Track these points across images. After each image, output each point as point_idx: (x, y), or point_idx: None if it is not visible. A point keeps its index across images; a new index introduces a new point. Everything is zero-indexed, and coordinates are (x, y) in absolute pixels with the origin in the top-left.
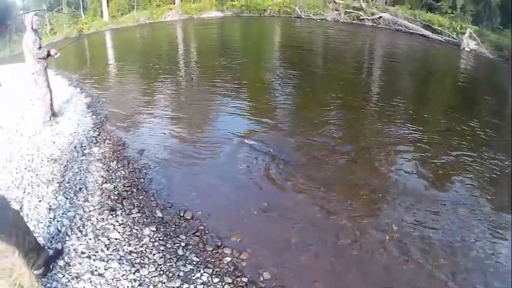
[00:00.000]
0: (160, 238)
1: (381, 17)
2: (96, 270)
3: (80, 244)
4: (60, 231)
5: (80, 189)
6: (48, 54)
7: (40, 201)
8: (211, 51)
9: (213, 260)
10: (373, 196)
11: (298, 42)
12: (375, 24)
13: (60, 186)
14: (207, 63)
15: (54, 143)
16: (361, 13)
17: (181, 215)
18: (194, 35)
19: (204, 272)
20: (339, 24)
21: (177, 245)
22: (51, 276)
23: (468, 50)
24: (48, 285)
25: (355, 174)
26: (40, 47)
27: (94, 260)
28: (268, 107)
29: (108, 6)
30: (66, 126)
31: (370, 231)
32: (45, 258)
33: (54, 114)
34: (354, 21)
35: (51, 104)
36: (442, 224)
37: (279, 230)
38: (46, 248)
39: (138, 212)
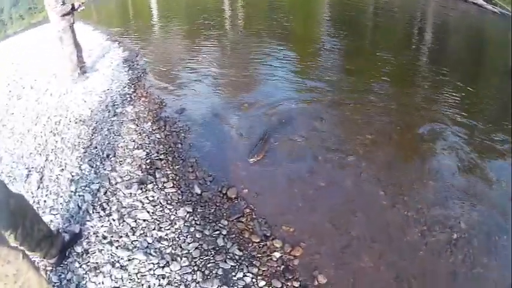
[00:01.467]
0: (197, 222)
1: None
2: (118, 262)
3: (102, 226)
4: (80, 209)
5: (108, 156)
6: (73, 8)
7: (62, 170)
8: (261, 9)
9: (259, 256)
10: (442, 183)
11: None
12: None
13: (85, 152)
14: (255, 22)
15: (85, 101)
16: None
17: (224, 192)
18: None
19: (248, 272)
20: None
21: (217, 232)
22: (67, 265)
23: None
24: (63, 276)
25: (422, 155)
26: (64, 3)
27: (117, 248)
28: (318, 72)
29: None
30: (100, 83)
31: (438, 227)
32: (59, 245)
33: (84, 72)
34: None
35: (81, 61)
36: None
37: (337, 219)
38: (62, 232)
39: (173, 187)
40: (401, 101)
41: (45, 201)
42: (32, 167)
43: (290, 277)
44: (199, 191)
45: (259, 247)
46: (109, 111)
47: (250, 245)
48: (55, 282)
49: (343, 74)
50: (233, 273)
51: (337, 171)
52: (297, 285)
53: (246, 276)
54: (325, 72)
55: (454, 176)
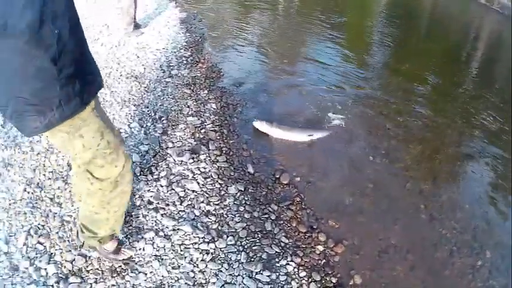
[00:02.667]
0: (248, 202)
1: None
2: (162, 230)
3: (149, 191)
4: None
5: (160, 118)
6: None
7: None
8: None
9: (303, 246)
10: (477, 208)
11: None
12: (487, 4)
13: (136, 110)
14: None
15: (138, 57)
16: None
17: (277, 176)
18: None
19: (292, 261)
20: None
21: (266, 216)
22: None
23: None
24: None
25: (468, 176)
26: None
27: (162, 216)
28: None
29: None
30: (155, 40)
31: (465, 250)
32: None
33: (137, 26)
34: None
35: (135, 16)
36: None
37: (380, 225)
38: None
39: (226, 162)
40: (452, 114)
41: None
42: None
43: (329, 272)
44: (252, 171)
45: (305, 238)
46: (164, 71)
47: (296, 234)
48: None
49: (398, 75)
50: (277, 259)
51: (386, 176)
52: (334, 281)
53: (288, 264)
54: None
55: (492, 204)
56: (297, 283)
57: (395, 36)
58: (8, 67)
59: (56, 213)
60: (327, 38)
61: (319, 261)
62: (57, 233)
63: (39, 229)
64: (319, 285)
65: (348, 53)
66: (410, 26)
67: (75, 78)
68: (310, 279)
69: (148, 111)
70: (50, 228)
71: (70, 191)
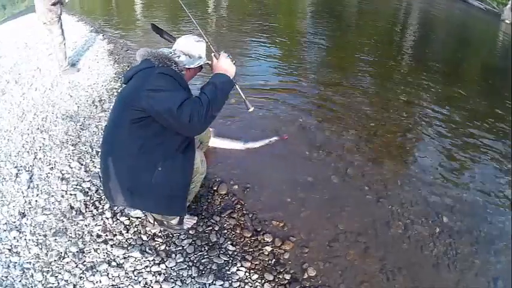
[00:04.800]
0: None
1: None
2: (114, 260)
3: (96, 225)
4: (73, 208)
5: (97, 153)
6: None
7: (52, 168)
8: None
9: (251, 250)
10: (422, 177)
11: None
12: None
13: (75, 150)
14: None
15: (71, 96)
16: None
17: (215, 188)
18: None
19: (241, 266)
20: None
21: (210, 228)
22: (63, 265)
23: (508, 22)
24: (60, 276)
25: (406, 152)
26: None
27: (111, 246)
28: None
29: None
30: (85, 77)
31: (420, 221)
32: None
33: (73, 65)
34: None
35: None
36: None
37: (325, 214)
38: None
39: None
40: (387, 97)
41: (36, 201)
42: (21, 166)
43: (281, 270)
44: None
45: (251, 242)
46: (96, 107)
47: (242, 240)
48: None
49: (327, 68)
50: (227, 268)
51: (324, 167)
52: (288, 278)
53: (239, 270)
54: (310, 66)
55: (437, 172)
56: (251, 286)
57: (324, 33)
58: None
59: (16, 262)
60: (259, 43)
61: (269, 262)
62: (20, 281)
63: (3, 280)
64: (273, 285)
65: (279, 54)
66: (339, 18)
67: None
68: (263, 280)
69: (85, 148)
70: (13, 278)
71: (25, 239)
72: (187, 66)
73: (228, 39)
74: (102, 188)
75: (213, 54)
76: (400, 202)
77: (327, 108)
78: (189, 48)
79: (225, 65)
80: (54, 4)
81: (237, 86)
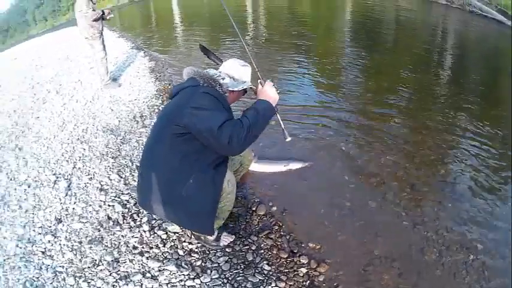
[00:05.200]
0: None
1: None
2: (148, 272)
3: (133, 236)
4: (110, 219)
5: (137, 167)
6: (103, 14)
7: (91, 179)
8: (283, 19)
9: (286, 271)
10: (460, 206)
11: (371, 16)
12: (448, 3)
13: (115, 162)
14: (278, 32)
15: (112, 110)
16: None
17: (254, 209)
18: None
19: (276, 286)
20: (411, 0)
21: (247, 247)
22: (96, 273)
23: None
24: (92, 283)
25: (443, 178)
26: (94, 9)
27: (147, 259)
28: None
29: None
30: (127, 92)
31: (455, 248)
32: None
33: (115, 79)
34: None
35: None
36: None
37: (361, 239)
38: None
39: None
40: (426, 121)
41: (73, 208)
42: (60, 174)
43: None
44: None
45: (287, 262)
46: (137, 122)
47: (278, 260)
48: None
49: (366, 91)
50: (261, 287)
51: (362, 192)
52: None
53: None
54: (349, 89)
55: (474, 199)
56: None
57: (364, 54)
58: None
59: (48, 265)
60: (298, 63)
61: (304, 283)
62: (51, 283)
63: (34, 281)
64: None
65: (319, 78)
66: (376, 39)
67: None
68: None
69: (125, 162)
70: (44, 280)
71: (60, 244)
72: (230, 89)
73: (269, 61)
74: (137, 199)
75: (259, 80)
76: (435, 229)
77: (366, 133)
78: (234, 71)
79: (270, 92)
80: (95, 20)
81: (277, 114)
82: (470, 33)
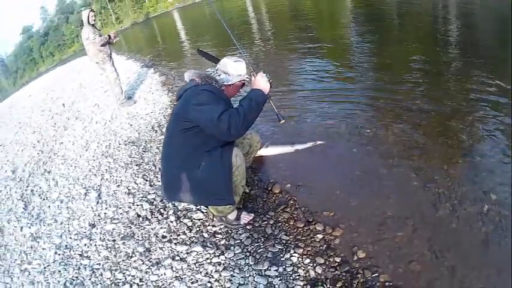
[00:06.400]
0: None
1: None
2: (177, 255)
3: (161, 228)
4: (139, 216)
5: (160, 169)
6: (109, 38)
7: (118, 186)
8: (286, 17)
9: (303, 238)
10: (470, 161)
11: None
12: None
13: (139, 169)
14: (283, 29)
15: (131, 125)
16: None
17: (269, 189)
18: (265, 2)
19: (294, 253)
20: None
21: (266, 222)
22: (130, 263)
23: None
24: (127, 272)
25: (449, 137)
26: (100, 35)
27: (175, 244)
28: (349, 64)
29: None
30: (142, 107)
31: (468, 201)
32: None
33: (130, 97)
34: None
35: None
36: None
37: (373, 202)
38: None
39: None
40: (435, 91)
41: (105, 213)
42: (89, 186)
43: (332, 254)
44: (247, 190)
45: (303, 231)
46: (156, 131)
47: (295, 230)
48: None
49: (371, 71)
50: (281, 255)
51: (371, 161)
52: (338, 260)
53: (292, 256)
54: (355, 70)
55: (484, 155)
56: (303, 270)
57: (371, 39)
58: None
59: (86, 264)
60: (308, 55)
61: (321, 247)
62: (89, 279)
63: (74, 280)
64: (324, 267)
65: (329, 64)
66: (381, 15)
67: None
68: (315, 264)
69: (149, 167)
70: (83, 278)
71: (95, 245)
72: (225, 83)
73: (271, 56)
74: (162, 194)
75: (251, 72)
76: (447, 185)
77: (373, 106)
78: (228, 67)
79: (261, 82)
80: (103, 45)
81: (270, 101)
82: (472, 6)
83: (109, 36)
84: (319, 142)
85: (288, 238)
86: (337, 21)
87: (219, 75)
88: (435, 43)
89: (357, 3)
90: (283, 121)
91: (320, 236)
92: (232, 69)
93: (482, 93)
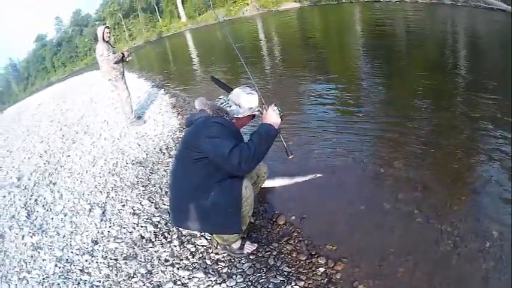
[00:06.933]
0: None
1: None
2: (179, 280)
3: (164, 251)
4: (143, 237)
5: (166, 192)
6: (123, 57)
7: (123, 205)
8: (296, 44)
9: (305, 271)
10: (473, 197)
11: (380, 30)
12: (453, 3)
13: (145, 190)
14: (293, 57)
15: (139, 145)
16: None
17: (274, 220)
18: (276, 28)
19: (296, 285)
20: (418, 5)
21: (269, 253)
22: (131, 284)
23: None
24: None
25: (453, 173)
26: (114, 52)
27: (178, 269)
28: (357, 96)
29: (183, 7)
30: (152, 128)
31: (470, 237)
32: None
33: (139, 117)
34: (432, 2)
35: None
36: None
37: (376, 237)
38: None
39: None
40: (438, 126)
41: (109, 231)
42: (94, 203)
43: None
44: (253, 220)
45: (306, 264)
46: (164, 154)
47: (297, 262)
48: None
49: (378, 104)
50: (282, 287)
51: (376, 196)
52: None
53: None
54: (359, 99)
55: (487, 192)
56: None
57: (381, 64)
58: None
59: (86, 280)
60: (317, 84)
61: (322, 281)
62: None
63: None
64: None
65: (337, 95)
66: (390, 47)
67: None
68: None
69: (155, 189)
70: None
71: (97, 262)
72: (236, 116)
73: (281, 84)
74: (170, 219)
75: (263, 106)
76: (449, 221)
77: (379, 140)
78: (241, 99)
79: (272, 116)
80: (116, 63)
81: (280, 135)
82: (478, 30)
83: (122, 54)
84: (318, 175)
85: (290, 270)
86: (348, 53)
87: (230, 106)
88: (443, 75)
89: (368, 34)
90: (291, 156)
91: (322, 270)
92: (244, 101)
93: (489, 129)
